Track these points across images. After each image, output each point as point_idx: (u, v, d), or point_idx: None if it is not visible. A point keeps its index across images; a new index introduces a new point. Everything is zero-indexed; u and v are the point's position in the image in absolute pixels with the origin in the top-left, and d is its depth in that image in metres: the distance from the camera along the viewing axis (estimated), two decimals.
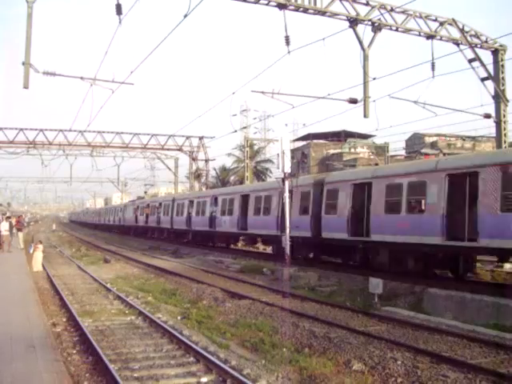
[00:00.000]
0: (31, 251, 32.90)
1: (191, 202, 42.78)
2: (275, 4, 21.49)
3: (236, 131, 38.98)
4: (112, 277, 24.19)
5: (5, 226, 34.26)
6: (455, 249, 17.75)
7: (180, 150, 58.87)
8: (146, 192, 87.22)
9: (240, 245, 39.07)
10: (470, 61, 25.46)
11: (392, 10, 23.44)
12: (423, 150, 60.75)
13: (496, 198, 15.96)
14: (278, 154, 22.54)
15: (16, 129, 50.22)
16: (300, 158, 63.48)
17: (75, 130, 51.00)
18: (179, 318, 15.10)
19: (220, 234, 37.30)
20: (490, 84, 25.89)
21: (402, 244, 19.39)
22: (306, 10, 22.25)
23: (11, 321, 12.48)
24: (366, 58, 22.49)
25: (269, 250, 34.06)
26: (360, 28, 22.74)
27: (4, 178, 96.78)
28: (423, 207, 18.94)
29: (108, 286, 20.71)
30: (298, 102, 27.10)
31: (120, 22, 18.47)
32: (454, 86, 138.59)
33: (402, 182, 19.71)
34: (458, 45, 25.16)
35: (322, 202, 24.72)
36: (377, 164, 44.65)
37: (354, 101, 23.86)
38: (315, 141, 66.71)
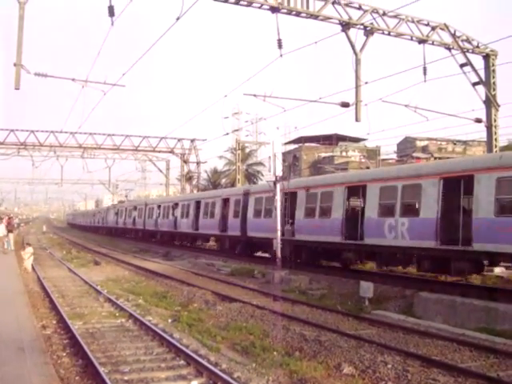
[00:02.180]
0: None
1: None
2: (268, 7, 21.52)
3: (228, 134, 39.03)
4: (102, 279, 24.08)
5: (1, 228, 34.38)
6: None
7: (171, 152, 58.83)
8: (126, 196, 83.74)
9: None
10: (462, 65, 25.58)
11: (384, 14, 23.52)
12: (414, 154, 61.02)
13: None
14: (269, 157, 22.67)
15: (7, 130, 50.17)
16: (291, 161, 63.67)
17: (66, 132, 51.06)
18: (170, 320, 15.05)
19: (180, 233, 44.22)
20: (481, 89, 26.03)
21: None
22: (298, 14, 22.29)
23: (0, 323, 12.39)
24: (358, 62, 22.55)
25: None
26: (352, 32, 22.81)
27: None
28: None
29: (98, 288, 20.62)
30: (290, 105, 27.33)
31: (112, 24, 18.51)
32: (446, 90, 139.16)
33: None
34: (449, 49, 25.29)
35: (247, 207, 30.70)
36: (368, 167, 44.76)
37: (345, 104, 23.94)
38: (307, 144, 66.82)
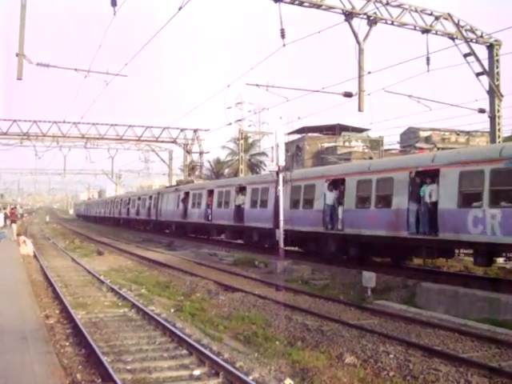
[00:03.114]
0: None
1: None
2: None
3: (231, 124, 39.02)
4: (105, 269, 24.15)
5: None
6: None
7: (174, 142, 58.77)
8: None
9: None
10: (465, 56, 25.44)
11: (387, 3, 23.35)
12: (417, 145, 60.82)
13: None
14: (272, 147, 22.64)
15: (10, 120, 50.10)
16: (294, 151, 63.57)
17: (69, 122, 50.98)
18: (172, 310, 15.10)
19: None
20: (484, 79, 25.89)
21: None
22: (301, 3, 22.17)
23: (3, 312, 12.44)
24: (361, 51, 22.41)
25: None
26: (355, 22, 22.62)
27: None
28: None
29: (101, 278, 20.67)
30: (293, 95, 27.37)
31: (115, 14, 18.41)
32: (449, 80, 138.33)
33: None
34: (453, 39, 25.13)
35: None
36: (371, 158, 44.66)
37: (348, 94, 23.84)
38: (310, 134, 66.62)
